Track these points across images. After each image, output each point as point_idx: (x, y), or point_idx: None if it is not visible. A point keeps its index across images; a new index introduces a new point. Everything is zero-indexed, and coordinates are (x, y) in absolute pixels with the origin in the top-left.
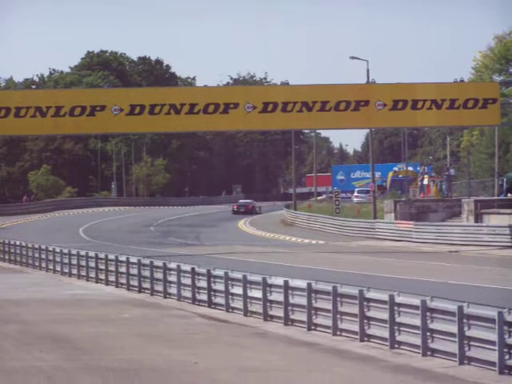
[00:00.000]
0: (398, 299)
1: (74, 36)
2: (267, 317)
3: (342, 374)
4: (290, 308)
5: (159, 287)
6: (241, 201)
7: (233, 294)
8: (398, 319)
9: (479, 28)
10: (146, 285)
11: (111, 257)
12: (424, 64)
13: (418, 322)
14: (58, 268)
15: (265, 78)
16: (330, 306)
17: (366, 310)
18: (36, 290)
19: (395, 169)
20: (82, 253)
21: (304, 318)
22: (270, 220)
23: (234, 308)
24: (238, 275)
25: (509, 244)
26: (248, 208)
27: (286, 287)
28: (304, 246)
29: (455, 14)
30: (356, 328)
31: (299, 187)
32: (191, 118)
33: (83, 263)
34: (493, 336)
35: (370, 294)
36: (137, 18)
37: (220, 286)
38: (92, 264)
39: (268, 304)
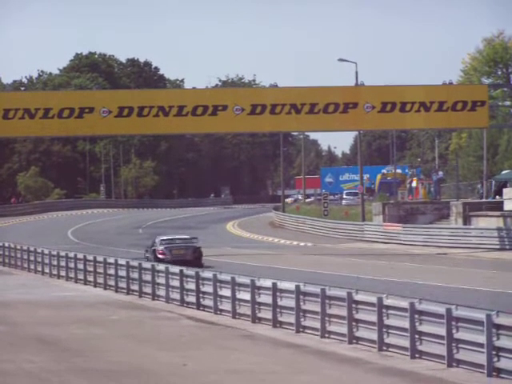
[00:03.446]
0: (387, 301)
1: (63, 38)
2: (255, 319)
3: (329, 376)
4: (278, 310)
5: (147, 289)
6: (171, 237)
7: (221, 296)
8: (386, 321)
9: (468, 30)
10: (135, 287)
11: (99, 259)
12: (413, 66)
13: (406, 324)
14: (47, 270)
15: (253, 81)
16: (318, 308)
17: (354, 312)
18: (24, 291)
19: (384, 171)
20: (71, 255)
21: (292, 320)
22: (258, 222)
23: (222, 310)
24: (227, 277)
25: (497, 246)
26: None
27: (275, 289)
28: (292, 248)
29: (444, 16)
30: (344, 330)
31: (288, 189)
32: (180, 120)
33: (71, 265)
34: (481, 338)
35: (359, 297)
36: (125, 19)
37: (208, 288)
38: (80, 266)
39: (256, 306)
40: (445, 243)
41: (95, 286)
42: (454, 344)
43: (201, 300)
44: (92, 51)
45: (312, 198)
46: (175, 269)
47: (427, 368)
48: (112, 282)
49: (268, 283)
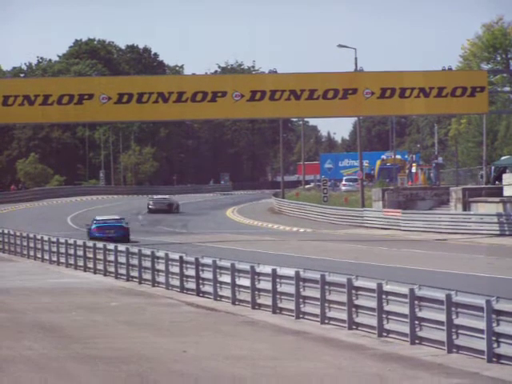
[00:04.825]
0: (386, 287)
1: (62, 24)
2: (255, 305)
3: (330, 362)
4: (278, 296)
5: (147, 276)
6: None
7: (221, 283)
8: (386, 307)
9: (467, 16)
10: (135, 273)
11: (99, 245)
12: (412, 52)
13: (406, 310)
14: (47, 256)
15: (253, 67)
16: (318, 295)
17: (354, 298)
18: (24, 278)
19: (383, 157)
20: (70, 241)
21: (292, 306)
22: (258, 208)
23: (222, 296)
24: (226, 263)
25: (496, 232)
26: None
27: (274, 275)
28: (292, 234)
29: (443, 2)
30: (344, 316)
31: (287, 175)
32: (179, 107)
33: (71, 252)
34: (481, 324)
35: (359, 283)
36: (125, 6)
37: (208, 275)
38: (80, 253)
39: (256, 292)
40: (444, 229)
41: (95, 273)
42: (453, 330)
43: (201, 286)
44: (91, 38)
45: (311, 184)
46: (175, 255)
47: (427, 354)
48: (112, 269)
49: (268, 269)
